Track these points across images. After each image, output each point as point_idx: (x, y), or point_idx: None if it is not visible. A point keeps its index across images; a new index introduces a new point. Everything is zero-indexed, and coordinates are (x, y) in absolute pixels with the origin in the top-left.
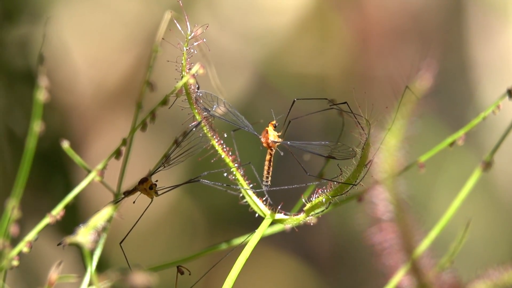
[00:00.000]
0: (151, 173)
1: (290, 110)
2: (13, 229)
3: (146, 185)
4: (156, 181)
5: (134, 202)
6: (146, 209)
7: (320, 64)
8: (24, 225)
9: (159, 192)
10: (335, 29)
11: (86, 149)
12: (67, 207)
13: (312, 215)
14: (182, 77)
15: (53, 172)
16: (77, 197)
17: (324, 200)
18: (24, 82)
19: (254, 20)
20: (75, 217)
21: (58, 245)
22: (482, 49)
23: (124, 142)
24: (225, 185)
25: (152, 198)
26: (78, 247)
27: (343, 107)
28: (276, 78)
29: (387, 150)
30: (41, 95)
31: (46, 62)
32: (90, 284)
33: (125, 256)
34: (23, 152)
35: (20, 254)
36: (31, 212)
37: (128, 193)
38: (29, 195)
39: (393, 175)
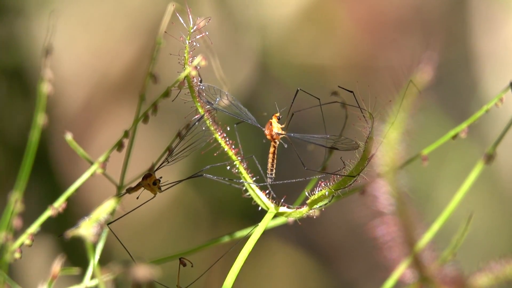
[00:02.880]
0: (155, 169)
1: (293, 101)
2: (16, 222)
3: (150, 181)
4: (160, 177)
5: (137, 198)
6: (145, 202)
7: (322, 55)
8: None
9: (162, 188)
10: (337, 19)
11: (88, 140)
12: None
13: (315, 208)
14: (184, 70)
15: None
16: (76, 190)
17: (327, 193)
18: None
19: (256, 10)
20: (70, 210)
21: (59, 236)
22: (485, 40)
23: (126, 134)
24: (227, 179)
25: (155, 194)
26: (80, 240)
27: (347, 99)
28: (278, 69)
29: (389, 144)
30: (45, 88)
31: (50, 54)
32: (93, 277)
33: (126, 249)
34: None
35: (22, 246)
36: (27, 204)
37: (131, 189)
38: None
39: (395, 168)
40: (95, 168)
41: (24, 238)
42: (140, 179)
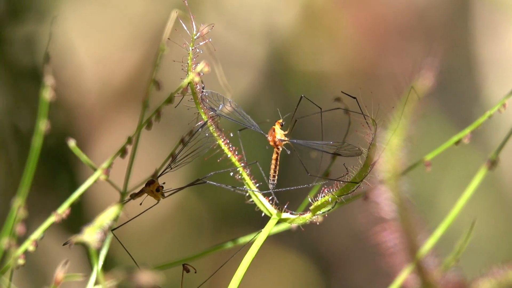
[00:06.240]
0: (158, 175)
1: (296, 108)
2: (19, 229)
3: (153, 187)
4: (163, 183)
5: (140, 204)
6: (148, 209)
7: (325, 62)
8: (30, 223)
9: (165, 194)
10: (340, 26)
11: (92, 147)
12: (73, 206)
13: (318, 214)
14: (188, 76)
15: (59, 170)
16: (83, 196)
17: (330, 199)
18: (30, 80)
19: (259, 18)
20: (81, 215)
21: (64, 244)
22: (488, 47)
23: (129, 140)
24: (230, 186)
25: (158, 200)
26: (84, 246)
27: (350, 105)
28: (281, 75)
29: (390, 150)
30: (47, 94)
31: (52, 60)
32: (97, 283)
33: (130, 255)
34: (29, 150)
35: (26, 252)
36: (37, 210)
37: (135, 195)
38: (34, 193)
39: (396, 174)
40: (98, 174)
41: (28, 245)
42: (143, 186)
